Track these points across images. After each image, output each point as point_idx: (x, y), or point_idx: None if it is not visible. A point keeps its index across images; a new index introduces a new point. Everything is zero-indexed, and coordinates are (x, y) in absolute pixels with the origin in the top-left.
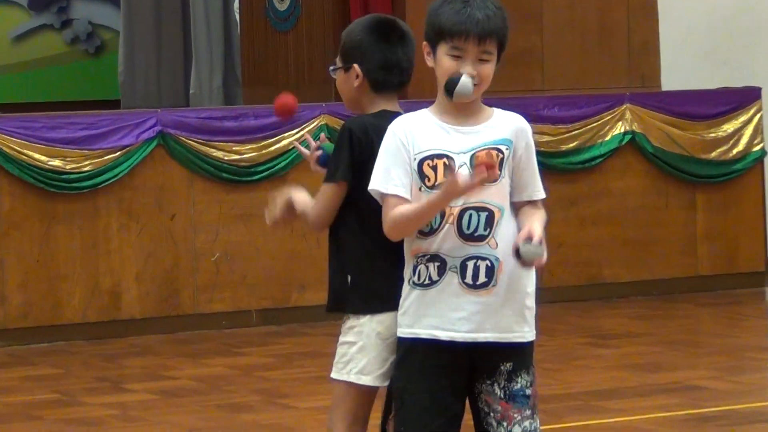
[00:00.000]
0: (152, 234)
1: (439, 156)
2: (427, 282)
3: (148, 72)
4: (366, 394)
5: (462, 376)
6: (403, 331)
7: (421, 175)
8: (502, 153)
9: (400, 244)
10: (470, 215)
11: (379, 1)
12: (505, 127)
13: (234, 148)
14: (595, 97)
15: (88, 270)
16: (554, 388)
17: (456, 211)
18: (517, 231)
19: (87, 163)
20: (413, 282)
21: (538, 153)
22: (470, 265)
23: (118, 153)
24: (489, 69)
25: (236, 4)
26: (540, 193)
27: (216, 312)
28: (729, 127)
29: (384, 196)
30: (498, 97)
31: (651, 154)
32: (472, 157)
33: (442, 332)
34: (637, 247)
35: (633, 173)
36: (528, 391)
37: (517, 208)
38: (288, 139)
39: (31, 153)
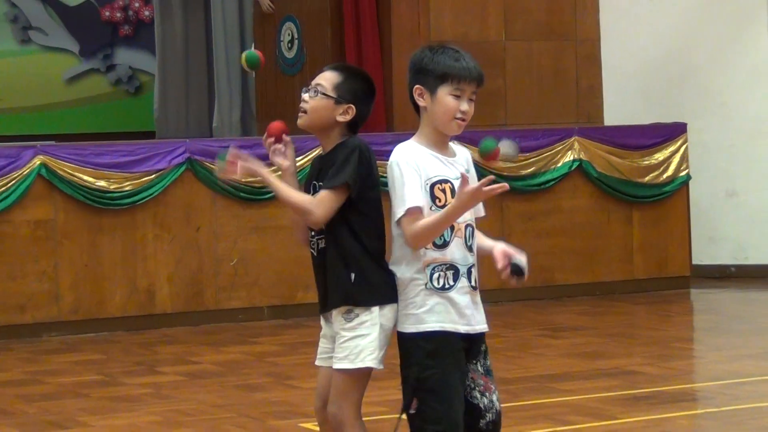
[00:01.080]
0: (181, 243)
1: (445, 181)
2: (447, 286)
3: (178, 108)
4: (368, 378)
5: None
6: (433, 326)
7: (433, 197)
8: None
9: (385, 244)
10: (469, 230)
11: (370, 55)
12: (465, 157)
13: None
14: (549, 130)
15: (128, 273)
16: (515, 372)
17: (462, 226)
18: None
19: (127, 183)
20: (433, 286)
21: (503, 177)
22: (473, 271)
23: (153, 175)
24: (473, 107)
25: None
26: (481, 212)
27: (234, 308)
28: (660, 156)
29: (408, 210)
30: (469, 130)
31: (595, 178)
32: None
33: (462, 326)
34: (583, 255)
35: (580, 194)
36: (491, 367)
37: None
38: None
39: (81, 175)
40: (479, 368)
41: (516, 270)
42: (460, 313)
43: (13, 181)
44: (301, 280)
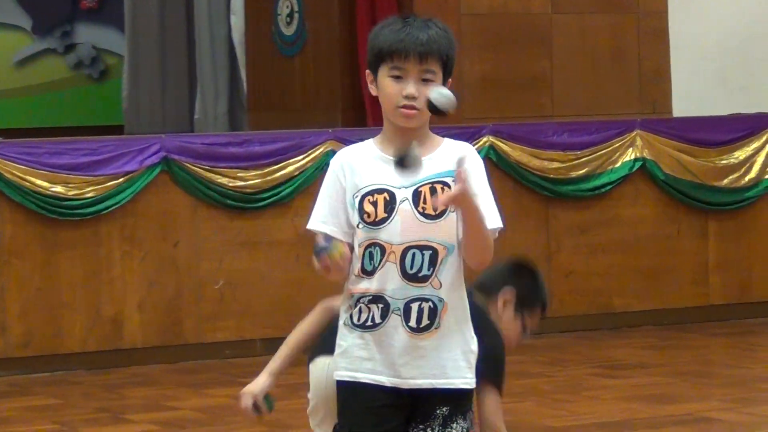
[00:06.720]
0: (155, 261)
1: (380, 191)
2: (369, 324)
3: (152, 97)
4: None
5: (404, 415)
6: (342, 375)
7: (361, 212)
8: (448, 186)
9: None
10: (413, 254)
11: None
12: (450, 157)
13: (239, 175)
14: (606, 123)
15: (90, 298)
16: (564, 420)
17: (398, 249)
18: (462, 270)
19: (90, 189)
20: (352, 322)
21: (548, 179)
22: (414, 307)
23: (121, 179)
24: (430, 89)
25: (232, 23)
26: (494, 222)
27: (219, 341)
28: (741, 154)
29: (313, 233)
30: (506, 122)
31: (662, 181)
32: (414, 192)
33: (385, 377)
34: (648, 276)
35: (644, 200)
36: None
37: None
38: (293, 165)
39: (33, 179)
40: None
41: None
42: (386, 360)
43: None
44: (301, 308)
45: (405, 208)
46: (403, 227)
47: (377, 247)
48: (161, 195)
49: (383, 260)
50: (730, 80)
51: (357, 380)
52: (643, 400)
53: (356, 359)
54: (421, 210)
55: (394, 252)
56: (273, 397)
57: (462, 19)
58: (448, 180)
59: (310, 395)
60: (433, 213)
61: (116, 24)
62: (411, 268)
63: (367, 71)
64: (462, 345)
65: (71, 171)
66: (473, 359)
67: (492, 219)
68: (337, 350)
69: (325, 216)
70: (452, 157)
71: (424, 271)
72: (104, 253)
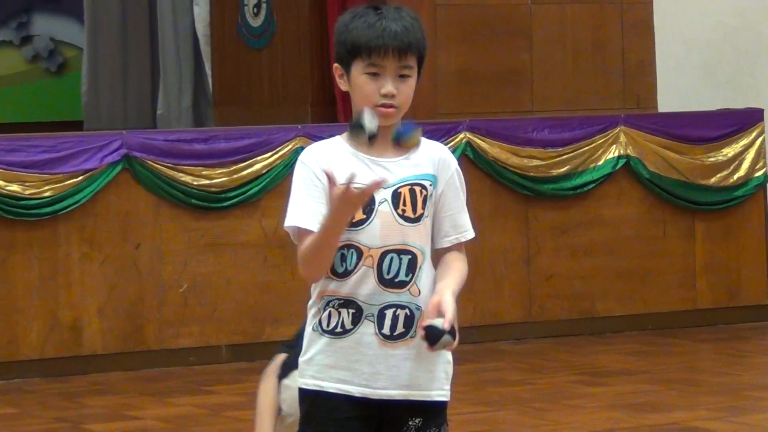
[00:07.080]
0: (116, 264)
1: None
2: (339, 330)
3: (113, 92)
4: None
5: (372, 427)
6: (307, 383)
7: None
8: (426, 189)
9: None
10: (392, 258)
11: None
12: (427, 159)
13: (203, 173)
14: (588, 119)
15: (47, 303)
16: (545, 429)
17: (376, 253)
18: (434, 284)
19: (47, 188)
20: (321, 328)
21: (527, 178)
22: (389, 314)
23: (81, 177)
24: (409, 86)
25: (196, 13)
26: (467, 234)
27: (183, 347)
28: (729, 151)
29: (300, 231)
30: (484, 118)
31: (647, 179)
32: (393, 193)
33: (354, 387)
34: (632, 279)
35: (628, 200)
36: None
37: (441, 252)
38: (261, 163)
39: None
40: None
41: (430, 336)
42: (355, 369)
43: None
44: (268, 312)
45: (384, 209)
46: (382, 230)
47: (352, 250)
48: (122, 194)
49: (359, 264)
50: (717, 74)
51: (323, 390)
52: (627, 408)
53: (323, 368)
54: (400, 212)
55: (371, 256)
56: None
57: (437, 10)
58: (426, 183)
59: (284, 412)
60: (412, 216)
61: (75, 15)
62: (388, 273)
63: (336, 65)
64: (440, 356)
65: (28, 169)
66: (450, 369)
67: (464, 232)
68: (303, 356)
69: (310, 218)
70: (430, 159)
71: (401, 277)
72: (62, 255)
